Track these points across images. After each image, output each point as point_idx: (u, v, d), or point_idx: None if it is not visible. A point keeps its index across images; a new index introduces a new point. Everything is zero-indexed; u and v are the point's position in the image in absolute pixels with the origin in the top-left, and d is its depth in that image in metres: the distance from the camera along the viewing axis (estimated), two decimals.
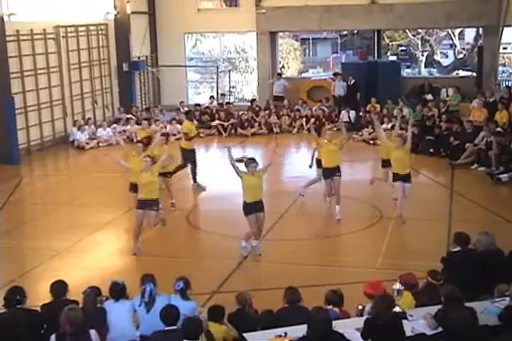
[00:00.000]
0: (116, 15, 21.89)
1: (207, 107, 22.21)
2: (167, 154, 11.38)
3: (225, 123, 20.59)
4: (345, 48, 37.98)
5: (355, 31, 33.01)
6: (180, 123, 20.66)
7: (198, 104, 22.55)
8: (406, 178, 11.68)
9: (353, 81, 21.73)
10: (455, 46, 33.66)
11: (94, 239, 11.40)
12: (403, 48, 35.07)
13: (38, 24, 18.27)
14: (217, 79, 24.80)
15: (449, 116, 18.61)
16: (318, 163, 12.42)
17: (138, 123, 19.78)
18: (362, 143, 18.08)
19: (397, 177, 11.73)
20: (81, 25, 20.26)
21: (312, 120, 20.81)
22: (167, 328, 6.12)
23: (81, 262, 10.33)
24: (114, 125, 20.26)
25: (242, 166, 10.08)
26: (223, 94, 23.76)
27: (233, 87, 27.31)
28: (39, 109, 18.73)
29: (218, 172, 15.29)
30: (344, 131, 12.70)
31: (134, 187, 11.29)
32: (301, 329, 5.87)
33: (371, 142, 18.57)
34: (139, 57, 23.11)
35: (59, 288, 6.88)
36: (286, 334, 6.19)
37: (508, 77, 25.88)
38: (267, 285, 9.06)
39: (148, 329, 6.49)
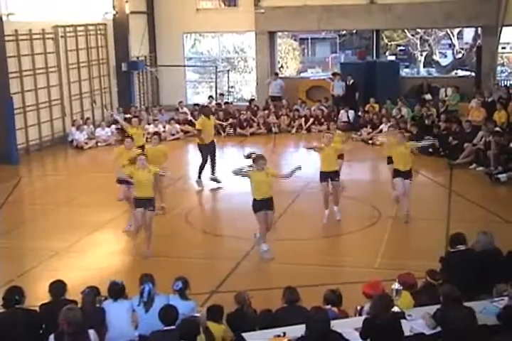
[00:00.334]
0: (114, 15, 21.88)
1: (206, 106, 22.20)
2: (167, 171, 11.18)
3: (224, 123, 20.58)
4: (344, 48, 38.00)
5: (354, 31, 33.01)
6: (179, 123, 20.75)
7: (197, 104, 22.55)
8: (407, 175, 11.72)
9: (351, 81, 21.72)
10: (454, 46, 33.68)
11: (93, 239, 11.40)
12: (402, 48, 35.11)
13: (36, 24, 18.26)
14: (216, 79, 24.81)
15: (447, 115, 18.61)
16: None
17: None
18: (360, 143, 18.07)
19: (397, 173, 11.76)
20: (80, 25, 20.25)
21: (311, 120, 20.85)
22: (166, 328, 6.13)
23: (80, 262, 10.32)
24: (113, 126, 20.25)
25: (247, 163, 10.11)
26: (222, 94, 23.77)
27: (232, 87, 27.33)
28: (38, 109, 18.73)
29: (217, 172, 15.30)
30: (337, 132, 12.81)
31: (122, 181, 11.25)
32: (299, 329, 5.87)
33: (370, 142, 18.59)
34: (137, 57, 23.11)
35: (58, 287, 6.89)
36: (284, 334, 6.20)
37: (506, 77, 25.92)
38: (266, 285, 9.06)
39: (147, 329, 6.49)
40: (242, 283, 8.94)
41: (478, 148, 15.82)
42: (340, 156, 13.54)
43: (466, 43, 33.55)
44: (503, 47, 26.73)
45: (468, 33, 32.59)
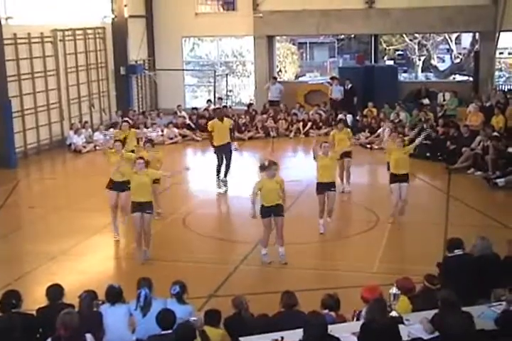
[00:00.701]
0: (113, 19, 21.89)
1: (205, 109, 22.23)
2: (169, 173, 11.30)
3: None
4: (343, 52, 38.12)
5: (353, 36, 33.12)
6: (177, 127, 20.75)
7: (195, 108, 22.56)
8: (403, 179, 11.73)
9: (350, 85, 21.75)
10: (452, 51, 33.79)
11: (91, 243, 11.38)
12: (400, 53, 35.23)
13: (35, 28, 18.27)
14: (215, 83, 24.82)
15: (445, 120, 18.62)
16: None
17: (133, 126, 19.81)
18: (358, 147, 18.09)
19: (394, 178, 11.78)
20: (78, 29, 20.26)
21: (309, 124, 20.86)
22: (163, 332, 6.12)
23: (77, 266, 10.30)
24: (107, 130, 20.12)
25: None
26: (220, 98, 23.76)
27: (230, 91, 27.35)
28: (36, 113, 18.72)
29: (215, 176, 15.32)
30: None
31: (113, 185, 11.32)
32: (297, 334, 5.86)
33: (368, 146, 18.62)
34: (136, 61, 23.11)
35: (55, 291, 6.87)
36: (282, 338, 6.18)
37: (504, 82, 25.97)
38: (264, 289, 9.05)
39: (144, 334, 6.48)
40: (239, 287, 8.93)
41: (476, 152, 15.83)
42: (349, 154, 13.68)
43: (464, 48, 33.66)
44: (501, 53, 26.82)
45: (466, 38, 32.69)
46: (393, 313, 6.37)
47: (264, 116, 21.42)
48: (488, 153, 15.19)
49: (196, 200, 14.27)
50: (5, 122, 16.91)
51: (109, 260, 10.74)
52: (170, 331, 6.07)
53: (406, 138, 12.60)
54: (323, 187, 11.39)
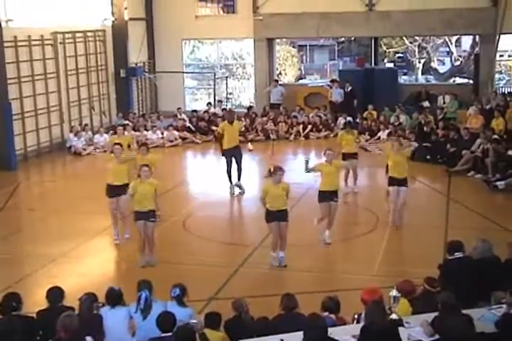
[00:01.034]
0: (113, 22, 21.92)
1: (206, 111, 22.24)
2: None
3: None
4: (343, 55, 38.09)
5: (353, 38, 33.13)
6: (177, 130, 20.76)
7: (195, 111, 22.57)
8: (402, 182, 11.71)
9: (350, 88, 21.76)
10: (452, 53, 33.78)
11: (91, 246, 11.38)
12: (400, 55, 35.21)
13: (35, 30, 18.28)
14: (215, 85, 24.86)
15: (445, 123, 18.65)
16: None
17: (134, 129, 19.84)
18: (358, 149, 18.03)
19: (392, 182, 11.75)
20: (79, 32, 20.28)
21: (309, 127, 20.86)
22: (163, 335, 6.11)
23: (78, 268, 10.30)
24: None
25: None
26: (220, 101, 23.79)
27: (230, 94, 27.37)
28: (36, 115, 18.73)
29: (215, 178, 15.32)
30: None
31: (112, 190, 11.35)
32: (297, 337, 5.86)
33: (368, 149, 18.61)
34: (136, 64, 23.14)
35: (55, 294, 6.87)
36: None
37: (504, 85, 25.98)
38: (264, 291, 9.04)
39: (144, 336, 6.48)
40: (239, 290, 8.93)
41: (476, 155, 15.83)
42: (355, 156, 13.73)
43: (464, 51, 33.66)
44: (501, 55, 26.83)
45: (467, 41, 32.70)
46: (393, 316, 6.37)
47: (264, 118, 21.44)
48: (488, 155, 15.19)
49: (196, 203, 14.27)
50: (5, 124, 16.92)
51: (110, 262, 10.74)
52: (170, 334, 6.07)
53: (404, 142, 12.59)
54: (326, 197, 11.05)
